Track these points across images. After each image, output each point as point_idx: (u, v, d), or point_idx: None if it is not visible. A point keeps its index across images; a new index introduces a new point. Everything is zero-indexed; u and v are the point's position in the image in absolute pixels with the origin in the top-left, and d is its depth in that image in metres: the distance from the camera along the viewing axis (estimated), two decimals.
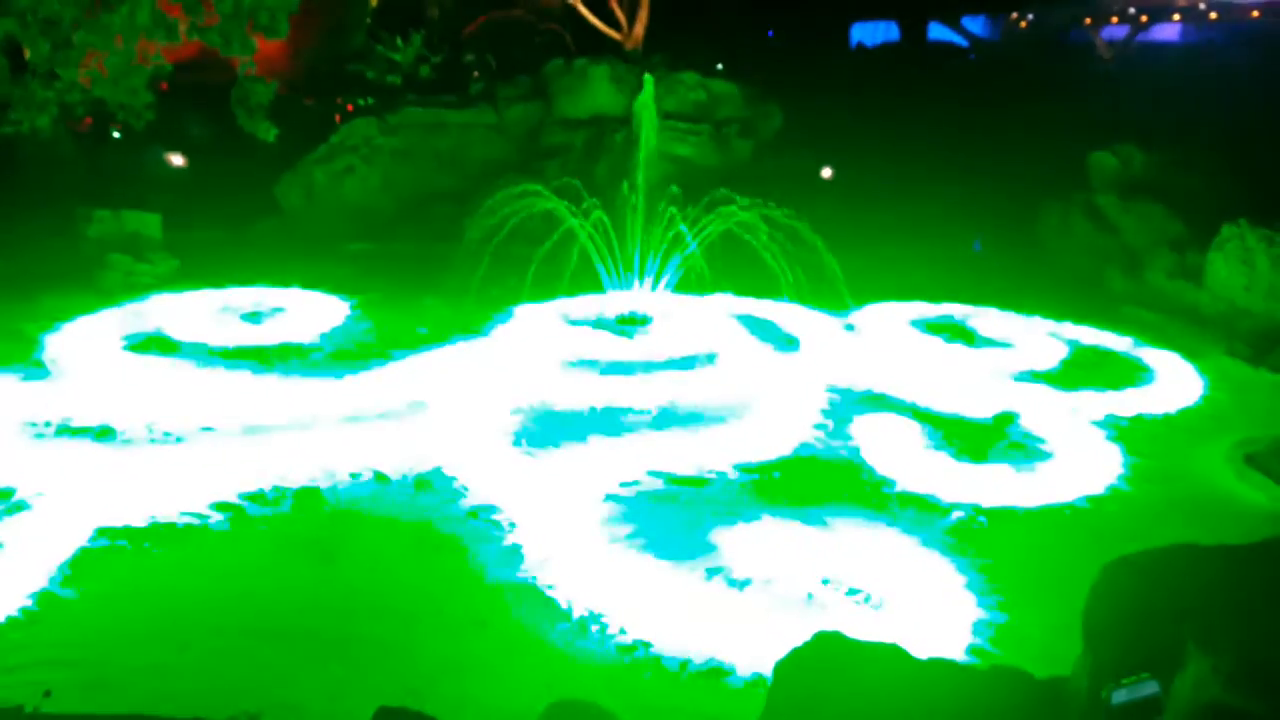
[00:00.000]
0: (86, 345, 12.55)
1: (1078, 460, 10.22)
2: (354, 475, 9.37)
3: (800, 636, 5.80)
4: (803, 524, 8.55)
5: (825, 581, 7.71)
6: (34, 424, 10.19)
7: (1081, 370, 13.30)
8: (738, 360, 13.06)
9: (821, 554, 8.04)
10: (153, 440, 9.94)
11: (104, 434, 10.07)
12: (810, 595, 7.54)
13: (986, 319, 15.35)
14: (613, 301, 15.21)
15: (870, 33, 35.96)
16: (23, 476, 8.95)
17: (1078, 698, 4.76)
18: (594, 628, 7.10)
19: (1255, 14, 34.08)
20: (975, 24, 35.13)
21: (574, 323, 14.44)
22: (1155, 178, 18.47)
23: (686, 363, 12.92)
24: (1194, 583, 4.85)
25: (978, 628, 7.19)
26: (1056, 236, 18.56)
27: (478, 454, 9.83)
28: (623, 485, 9.34)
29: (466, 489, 9.18)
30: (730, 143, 22.03)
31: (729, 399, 11.74)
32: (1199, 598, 4.76)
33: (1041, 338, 14.49)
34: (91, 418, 10.34)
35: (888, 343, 14.19)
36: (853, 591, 7.61)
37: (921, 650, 6.40)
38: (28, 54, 15.06)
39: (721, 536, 8.34)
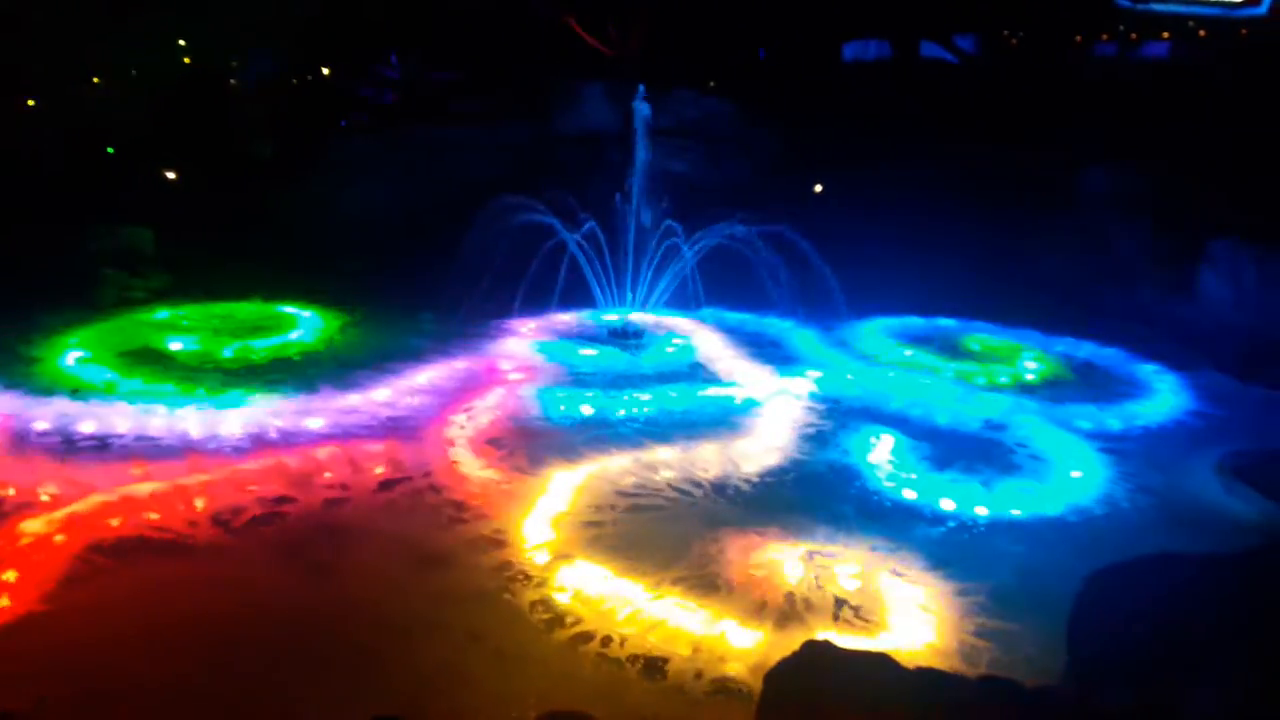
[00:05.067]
0: (81, 358, 12.58)
1: (1066, 472, 10.30)
2: (347, 489, 9.39)
3: (790, 646, 5.85)
4: (794, 534, 8.60)
5: (815, 592, 7.76)
6: (29, 436, 10.22)
7: (1071, 384, 13.41)
8: (730, 374, 13.12)
9: (812, 564, 8.09)
10: (147, 452, 9.96)
11: (99, 446, 10.11)
12: (800, 605, 7.58)
13: (978, 332, 15.45)
14: (606, 315, 15.30)
15: (862, 50, 36.18)
16: (18, 487, 8.97)
17: (1064, 705, 4.82)
18: (586, 639, 7.13)
19: (1244, 31, 34.37)
20: (966, 42, 35.33)
21: (567, 336, 14.51)
22: (1145, 193, 18.64)
23: (679, 376, 12.99)
24: (1179, 592, 4.91)
25: (966, 637, 7.22)
26: (1046, 251, 18.68)
27: (470, 466, 9.88)
28: (615, 497, 9.38)
29: (459, 502, 9.20)
30: (724, 158, 22.18)
31: (721, 412, 11.82)
32: (1183, 608, 4.82)
33: (1031, 351, 14.58)
34: (86, 430, 10.38)
35: (879, 356, 14.27)
36: (842, 602, 7.66)
37: (911, 660, 6.48)
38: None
39: (713, 547, 8.38)
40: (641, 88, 16.72)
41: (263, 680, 6.53)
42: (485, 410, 11.43)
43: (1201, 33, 35.22)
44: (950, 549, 8.64)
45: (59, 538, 8.14)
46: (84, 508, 8.62)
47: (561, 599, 7.58)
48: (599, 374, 12.99)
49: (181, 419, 10.66)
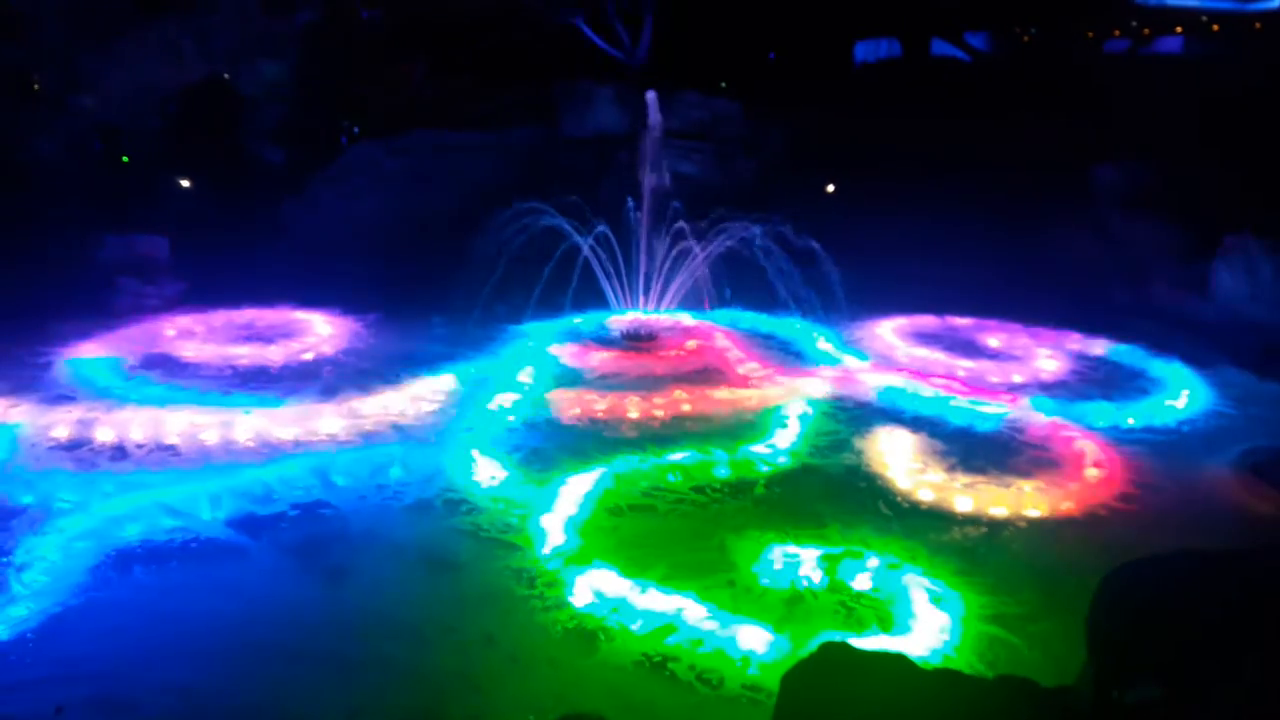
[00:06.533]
0: (96, 367, 12.64)
1: (1083, 470, 10.23)
2: (361, 495, 9.41)
3: (807, 647, 5.83)
4: (810, 535, 8.57)
5: (832, 593, 7.73)
6: (45, 445, 10.26)
7: (1087, 381, 13.32)
8: (743, 375, 13.09)
9: (828, 565, 8.06)
10: (163, 460, 10.00)
11: (115, 455, 10.14)
12: (817, 606, 7.56)
13: (992, 331, 15.39)
14: (618, 317, 15.30)
15: (873, 50, 36.06)
16: (36, 496, 9.03)
17: (1083, 705, 4.78)
18: (601, 642, 7.12)
19: (1257, 25, 34.17)
20: (977, 40, 35.20)
21: (579, 339, 14.51)
22: (1157, 189, 18.52)
23: (691, 377, 12.97)
24: (1198, 587, 4.86)
25: (984, 637, 7.19)
26: (1060, 249, 18.58)
27: (484, 471, 9.88)
28: (629, 499, 9.39)
29: (473, 506, 9.21)
30: (734, 160, 22.08)
31: (734, 413, 11.80)
32: (1202, 605, 4.77)
33: (1046, 349, 14.51)
34: (102, 438, 10.42)
35: (893, 355, 14.23)
36: (859, 602, 7.63)
37: (929, 660, 6.45)
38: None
39: (728, 548, 8.36)
40: (650, 90, 16.72)
41: (278, 686, 6.54)
42: (497, 413, 11.44)
43: (1215, 27, 35.02)
44: (968, 549, 8.61)
45: (76, 545, 8.18)
46: (101, 514, 8.67)
47: (576, 601, 7.57)
48: (612, 376, 12.98)
49: (197, 425, 10.69)
